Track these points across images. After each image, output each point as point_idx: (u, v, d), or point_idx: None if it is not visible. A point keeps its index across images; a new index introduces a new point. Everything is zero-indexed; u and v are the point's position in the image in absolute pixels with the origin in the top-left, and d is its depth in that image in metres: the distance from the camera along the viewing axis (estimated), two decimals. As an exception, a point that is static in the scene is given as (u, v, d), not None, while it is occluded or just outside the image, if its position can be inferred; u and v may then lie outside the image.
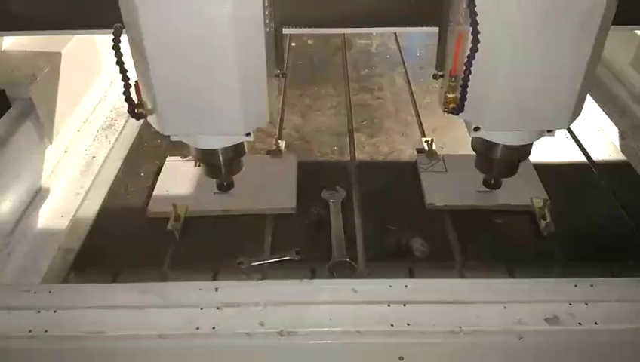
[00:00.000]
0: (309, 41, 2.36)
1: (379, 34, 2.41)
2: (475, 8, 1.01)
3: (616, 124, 1.82)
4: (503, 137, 1.27)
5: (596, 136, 1.78)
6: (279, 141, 1.67)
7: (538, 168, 1.57)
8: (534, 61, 1.07)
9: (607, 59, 2.08)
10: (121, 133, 1.73)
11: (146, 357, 1.15)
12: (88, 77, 1.70)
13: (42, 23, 1.24)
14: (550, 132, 1.24)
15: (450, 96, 1.14)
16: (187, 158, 1.56)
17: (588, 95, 1.93)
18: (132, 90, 1.14)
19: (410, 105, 1.92)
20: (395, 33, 2.39)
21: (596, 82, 2.04)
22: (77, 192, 1.50)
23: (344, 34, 2.39)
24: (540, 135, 1.25)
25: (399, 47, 2.33)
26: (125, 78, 1.10)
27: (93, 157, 1.62)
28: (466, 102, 1.14)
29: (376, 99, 1.95)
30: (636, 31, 1.89)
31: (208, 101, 1.11)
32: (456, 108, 1.14)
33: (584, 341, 1.14)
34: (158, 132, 1.66)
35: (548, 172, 1.56)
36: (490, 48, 1.05)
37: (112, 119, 1.78)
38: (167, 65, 1.06)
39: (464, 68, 1.08)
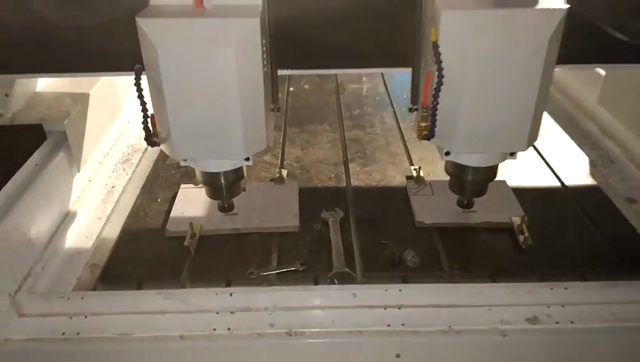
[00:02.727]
0: (305, 86, 2.56)
1: (368, 79, 2.62)
2: (439, 50, 1.16)
3: (587, 155, 1.99)
4: (472, 160, 1.41)
5: (569, 164, 1.95)
6: (282, 170, 1.84)
7: (517, 192, 1.72)
8: (491, 94, 1.22)
9: (577, 98, 2.29)
10: (137, 166, 1.89)
11: (168, 356, 1.27)
12: (110, 116, 1.88)
13: (73, 66, 1.40)
14: (512, 155, 1.36)
15: (423, 125, 1.29)
16: (200, 186, 1.71)
17: (562, 131, 2.15)
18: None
19: (399, 140, 2.09)
20: (384, 78, 2.61)
21: (568, 119, 2.24)
22: (99, 217, 1.64)
23: (337, 80, 2.60)
24: (504, 157, 1.39)
25: (387, 91, 2.53)
26: (144, 110, 1.25)
27: (113, 186, 1.77)
28: (436, 130, 1.28)
29: (368, 135, 2.12)
30: (600, 71, 2.10)
31: (214, 130, 1.26)
32: (428, 134, 1.29)
33: (561, 338, 1.27)
34: (171, 165, 1.85)
35: (526, 196, 1.71)
36: (453, 84, 1.19)
37: (128, 154, 1.95)
38: (180, 100, 1.21)
39: (433, 100, 1.22)
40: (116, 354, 1.26)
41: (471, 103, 1.23)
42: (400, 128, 2.18)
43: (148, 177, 1.85)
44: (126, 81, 1.93)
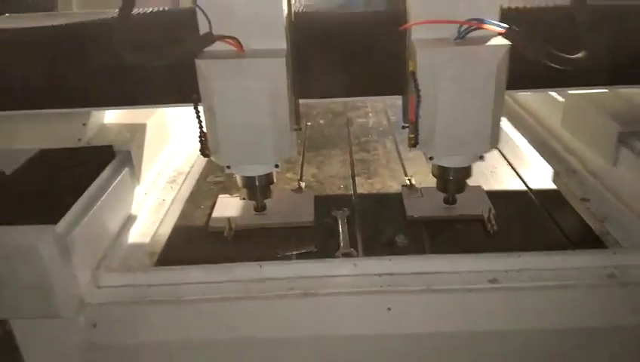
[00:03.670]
0: (320, 121, 2.98)
1: (373, 113, 3.04)
2: (417, 78, 1.47)
3: (553, 168, 2.29)
4: (451, 162, 1.72)
5: (537, 175, 2.29)
6: (301, 182, 2.25)
7: (491, 195, 2.05)
8: (458, 110, 1.52)
9: (545, 122, 2.63)
10: (182, 185, 2.28)
11: (211, 313, 1.60)
12: (161, 143, 2.30)
13: (137, 100, 1.79)
14: (481, 157, 1.64)
15: (411, 136, 1.58)
16: (235, 195, 2.11)
17: (533, 149, 2.49)
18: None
19: (397, 160, 2.47)
20: (387, 113, 3.04)
21: (539, 139, 2.55)
22: (154, 221, 2.01)
23: (347, 116, 3.03)
24: (475, 159, 1.67)
25: (389, 123, 2.94)
26: (200, 127, 1.59)
27: (164, 199, 2.15)
28: (420, 139, 1.56)
29: (372, 156, 2.51)
30: (559, 98, 2.47)
31: (252, 142, 1.56)
32: (414, 142, 1.61)
33: (515, 295, 1.56)
34: (211, 182, 2.26)
35: (497, 197, 2.04)
36: (430, 103, 1.50)
37: (174, 176, 2.34)
38: (227, 120, 1.52)
39: (415, 116, 1.51)
40: (170, 314, 1.61)
41: (443, 118, 1.54)
42: (398, 151, 2.56)
43: (192, 192, 2.25)
44: (173, 116, 2.39)
